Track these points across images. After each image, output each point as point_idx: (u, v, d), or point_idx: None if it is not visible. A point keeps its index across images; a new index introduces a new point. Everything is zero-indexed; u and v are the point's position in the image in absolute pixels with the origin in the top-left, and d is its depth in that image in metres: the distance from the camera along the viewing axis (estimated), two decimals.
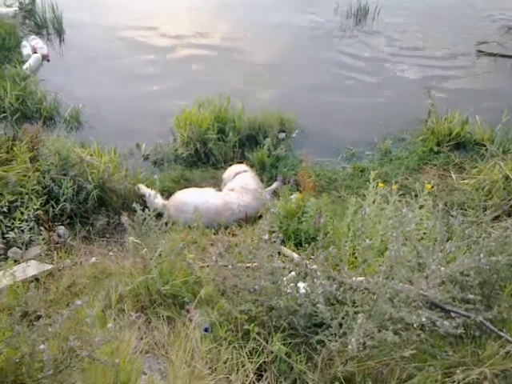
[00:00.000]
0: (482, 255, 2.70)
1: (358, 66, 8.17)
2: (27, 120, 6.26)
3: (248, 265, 2.99)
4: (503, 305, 2.69)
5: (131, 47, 8.75)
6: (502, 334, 2.54)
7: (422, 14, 10.10)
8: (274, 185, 5.25)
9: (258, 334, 2.65)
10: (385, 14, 9.94)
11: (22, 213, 4.00)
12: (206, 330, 2.73)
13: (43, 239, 4.01)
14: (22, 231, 3.92)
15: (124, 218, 3.27)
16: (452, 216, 4.22)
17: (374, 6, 9.91)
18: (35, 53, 7.90)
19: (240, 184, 4.98)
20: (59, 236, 4.33)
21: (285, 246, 3.93)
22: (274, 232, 2.85)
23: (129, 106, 6.92)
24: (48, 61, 8.01)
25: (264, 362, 2.57)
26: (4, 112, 6.23)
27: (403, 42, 9.01)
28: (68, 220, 4.55)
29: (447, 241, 2.95)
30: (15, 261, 3.75)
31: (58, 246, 4.13)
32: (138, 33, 9.28)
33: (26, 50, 7.91)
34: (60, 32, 9.07)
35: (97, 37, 8.95)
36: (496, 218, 4.37)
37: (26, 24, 9.14)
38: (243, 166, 5.39)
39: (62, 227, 4.45)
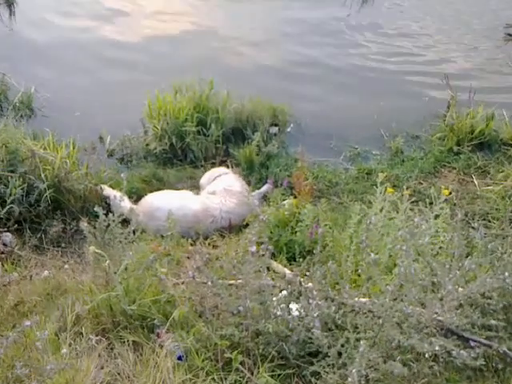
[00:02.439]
0: (506, 274, 2.74)
1: (366, 50, 8.22)
2: None
3: (231, 282, 3.01)
4: None
5: (95, 22, 8.74)
6: None
7: None
8: (264, 188, 5.26)
9: (242, 363, 2.66)
10: None
11: None
12: (179, 358, 2.74)
13: None
14: None
15: (83, 225, 3.28)
16: (473, 228, 4.27)
17: None
18: None
19: (223, 186, 5.00)
20: (5, 244, 4.31)
21: (275, 261, 3.95)
22: (262, 243, 2.87)
23: (91, 92, 6.90)
24: None
25: None
26: None
27: (420, 23, 9.08)
28: (16, 225, 4.52)
29: (466, 257, 2.99)
30: None
31: (4, 256, 4.12)
32: (103, 6, 9.27)
33: None
34: (11, 1, 9.02)
35: (54, 10, 8.92)
36: None
37: None
38: (224, 169, 5.42)
39: (9, 234, 4.43)
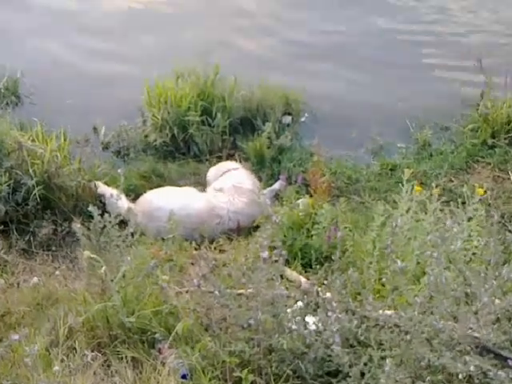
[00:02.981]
0: None
1: (391, 28, 8.18)
2: None
3: (241, 291, 3.01)
4: None
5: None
6: None
7: None
8: (276, 185, 5.26)
9: (253, 383, 2.66)
10: None
11: None
12: (183, 376, 2.74)
13: None
14: None
15: (76, 226, 3.28)
16: (510, 232, 4.26)
17: None
18: None
19: (231, 183, 5.00)
20: None
21: (289, 267, 3.95)
22: (275, 248, 2.87)
23: (84, 77, 6.91)
24: None
25: None
26: None
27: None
28: (1, 226, 4.54)
29: (504, 264, 2.97)
30: None
31: None
32: None
33: None
34: None
35: None
36: None
37: None
38: (233, 163, 5.43)
39: None
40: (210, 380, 2.70)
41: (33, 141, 5.03)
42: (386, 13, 8.56)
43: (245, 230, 4.77)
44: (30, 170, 4.71)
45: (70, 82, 6.80)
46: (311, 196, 4.77)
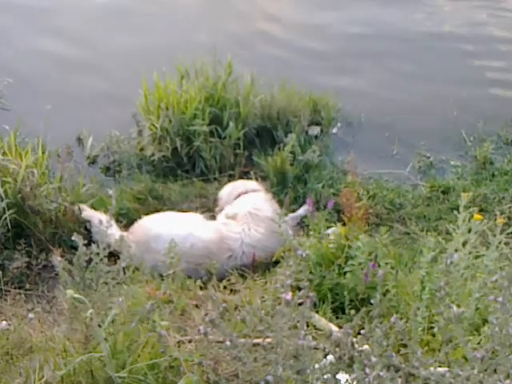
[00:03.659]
0: None
1: (443, 25, 8.23)
2: None
3: (257, 341, 3.00)
4: None
5: None
6: None
7: None
8: (301, 210, 5.28)
9: None
10: None
11: None
12: None
13: None
14: None
15: (55, 259, 3.28)
16: None
17: None
18: None
19: (247, 208, 5.01)
20: None
21: (317, 312, 3.93)
22: (300, 289, 2.86)
23: (66, 76, 6.99)
24: None
25: None
26: None
27: None
28: None
29: None
30: None
31: None
32: None
33: None
34: None
35: None
36: None
37: None
38: (252, 184, 5.43)
39: None
40: None
41: (4, 154, 5.06)
42: (428, 13, 8.65)
43: (262, 265, 4.77)
44: (0, 190, 4.74)
45: (49, 82, 6.89)
46: (344, 224, 4.76)
